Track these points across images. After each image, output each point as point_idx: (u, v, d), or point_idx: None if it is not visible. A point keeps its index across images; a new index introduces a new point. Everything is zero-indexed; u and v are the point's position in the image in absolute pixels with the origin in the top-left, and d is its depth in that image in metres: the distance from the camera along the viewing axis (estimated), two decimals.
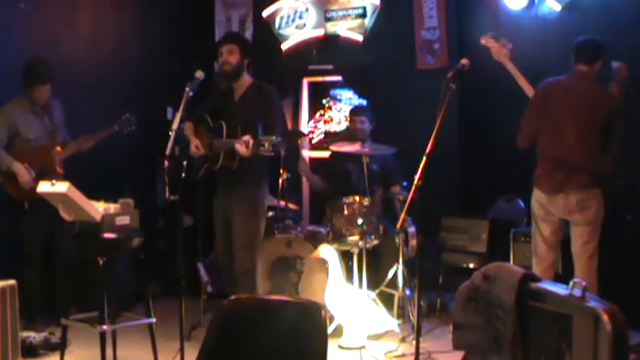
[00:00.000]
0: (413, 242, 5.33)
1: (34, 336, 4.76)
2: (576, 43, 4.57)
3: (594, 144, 4.45)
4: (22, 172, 5.14)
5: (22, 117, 5.26)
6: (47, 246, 5.33)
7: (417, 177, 3.37)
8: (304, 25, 7.17)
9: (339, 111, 7.32)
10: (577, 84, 4.49)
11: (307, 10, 7.15)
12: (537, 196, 4.57)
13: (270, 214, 5.76)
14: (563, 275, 4.54)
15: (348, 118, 6.33)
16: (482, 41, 4.83)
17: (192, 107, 4.57)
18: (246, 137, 4.31)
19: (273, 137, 4.27)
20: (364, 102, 6.94)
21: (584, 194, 4.43)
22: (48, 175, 5.10)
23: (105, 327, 4.14)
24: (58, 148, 5.34)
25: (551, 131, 4.48)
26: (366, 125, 5.86)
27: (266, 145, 4.22)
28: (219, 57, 4.72)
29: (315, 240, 5.42)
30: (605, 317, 2.72)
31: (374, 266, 5.26)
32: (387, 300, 5.29)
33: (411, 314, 5.28)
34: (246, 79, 4.78)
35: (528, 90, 4.69)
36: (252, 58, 4.80)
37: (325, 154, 6.49)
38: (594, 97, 4.46)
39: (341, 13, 7.04)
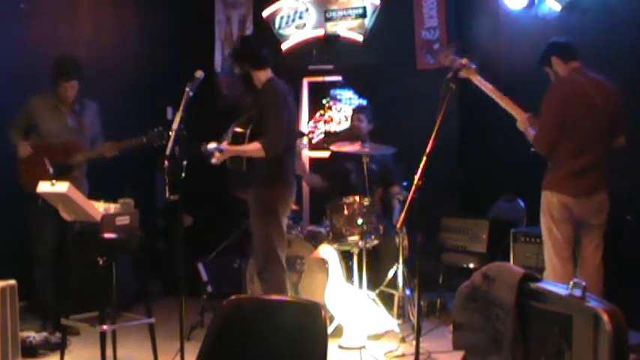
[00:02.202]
0: (405, 243, 5.34)
1: (34, 336, 4.76)
2: (563, 45, 4.54)
3: (609, 140, 4.43)
4: (21, 146, 5.14)
5: (44, 111, 5.21)
6: (59, 245, 5.30)
7: (417, 177, 3.37)
8: (304, 25, 7.17)
9: (339, 111, 7.32)
10: (585, 80, 4.42)
11: (307, 10, 7.16)
12: (561, 199, 4.37)
13: None
14: None
15: (350, 117, 6.35)
16: (442, 60, 4.38)
17: None
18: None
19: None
20: (364, 102, 6.95)
21: (604, 195, 4.41)
22: (66, 173, 5.06)
23: (105, 327, 4.14)
24: (80, 150, 5.25)
25: (576, 131, 4.34)
26: (363, 123, 5.87)
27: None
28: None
29: (315, 240, 5.42)
30: (605, 317, 2.72)
31: (374, 266, 5.26)
32: (387, 300, 5.29)
33: (411, 314, 5.28)
34: (261, 76, 4.74)
35: (506, 104, 4.53)
36: (244, 59, 4.79)
37: (325, 154, 6.49)
38: (601, 87, 4.42)
39: (341, 13, 7.04)
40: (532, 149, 4.85)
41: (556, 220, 4.40)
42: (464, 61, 4.18)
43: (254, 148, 4.48)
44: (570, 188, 4.35)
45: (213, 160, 4.54)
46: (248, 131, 4.60)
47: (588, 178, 4.35)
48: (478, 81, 4.49)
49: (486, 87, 4.54)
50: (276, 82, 4.73)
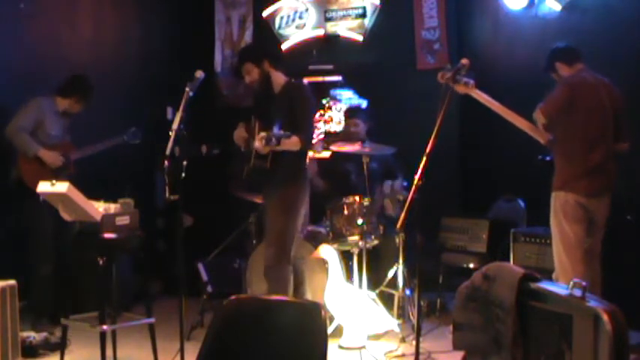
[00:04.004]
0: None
1: (34, 336, 4.76)
2: (565, 49, 4.60)
3: (613, 140, 4.45)
4: (49, 155, 5.28)
5: (51, 114, 5.40)
6: (58, 243, 5.33)
7: (417, 177, 3.37)
8: (304, 25, 7.17)
9: (339, 111, 7.32)
10: (592, 78, 4.45)
11: (307, 10, 7.15)
12: (577, 198, 4.34)
13: None
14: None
15: (345, 122, 6.35)
16: (439, 79, 4.10)
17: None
18: (262, 134, 4.35)
19: (277, 131, 4.33)
20: (364, 102, 6.94)
21: (609, 198, 4.42)
22: (63, 172, 5.29)
23: (105, 327, 4.14)
24: (74, 149, 5.53)
25: (587, 134, 4.36)
26: (360, 128, 5.87)
27: (273, 140, 4.30)
28: (244, 78, 4.80)
29: (315, 240, 5.41)
30: (605, 317, 2.72)
31: (374, 266, 5.25)
32: (387, 300, 5.28)
33: (411, 314, 5.27)
34: (279, 77, 4.78)
35: (507, 115, 4.54)
36: (269, 56, 4.78)
37: (325, 154, 6.50)
38: (607, 87, 4.46)
39: (341, 13, 7.04)
40: (540, 156, 4.86)
41: (570, 220, 4.36)
42: (461, 84, 4.20)
43: (292, 141, 4.48)
44: (584, 188, 4.34)
45: (259, 145, 4.43)
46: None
47: (601, 177, 4.37)
48: (478, 95, 4.49)
49: (487, 100, 4.53)
50: (300, 81, 4.88)
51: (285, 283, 4.64)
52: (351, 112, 6.12)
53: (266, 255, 4.71)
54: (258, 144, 4.41)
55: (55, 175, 5.14)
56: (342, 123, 6.87)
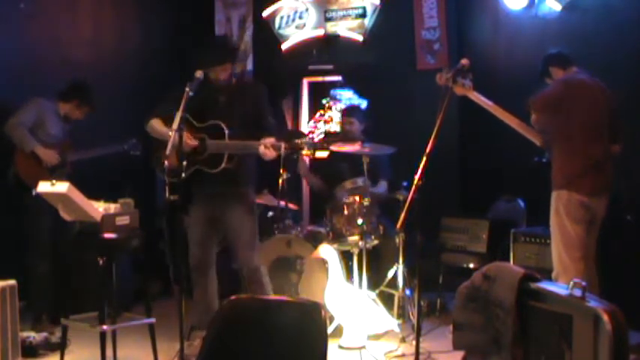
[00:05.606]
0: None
1: (34, 336, 4.76)
2: (557, 55, 4.66)
3: (608, 139, 4.48)
4: (45, 152, 5.28)
5: (52, 116, 5.43)
6: (57, 241, 5.36)
7: (417, 177, 3.37)
8: (304, 25, 7.18)
9: (339, 111, 7.33)
10: (587, 78, 4.49)
11: (307, 10, 7.16)
12: (580, 198, 4.34)
13: (270, 214, 5.76)
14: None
15: (340, 121, 6.35)
16: (438, 80, 4.22)
17: (160, 105, 4.66)
18: (271, 140, 4.26)
19: (307, 140, 4.29)
20: (364, 102, 6.95)
21: (608, 197, 4.43)
22: (59, 171, 5.32)
23: (105, 327, 4.14)
24: (73, 148, 5.55)
25: (587, 131, 4.38)
26: (355, 126, 5.87)
27: (305, 148, 4.24)
28: (211, 72, 4.51)
29: (315, 240, 5.41)
30: (605, 317, 2.72)
31: (374, 266, 5.25)
32: (387, 300, 5.29)
33: (411, 314, 5.27)
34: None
35: (504, 117, 4.57)
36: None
37: (325, 154, 6.50)
38: (602, 87, 4.50)
39: (341, 13, 7.04)
40: (536, 158, 4.88)
41: (572, 220, 4.35)
42: (459, 85, 4.21)
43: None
44: (586, 186, 4.34)
45: (267, 152, 4.32)
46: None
47: (601, 176, 4.38)
48: (475, 97, 4.52)
49: (484, 102, 4.57)
50: (256, 80, 4.80)
51: (268, 283, 4.69)
52: (347, 111, 6.13)
53: (246, 259, 4.64)
54: (265, 151, 4.26)
55: (50, 173, 5.17)
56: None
